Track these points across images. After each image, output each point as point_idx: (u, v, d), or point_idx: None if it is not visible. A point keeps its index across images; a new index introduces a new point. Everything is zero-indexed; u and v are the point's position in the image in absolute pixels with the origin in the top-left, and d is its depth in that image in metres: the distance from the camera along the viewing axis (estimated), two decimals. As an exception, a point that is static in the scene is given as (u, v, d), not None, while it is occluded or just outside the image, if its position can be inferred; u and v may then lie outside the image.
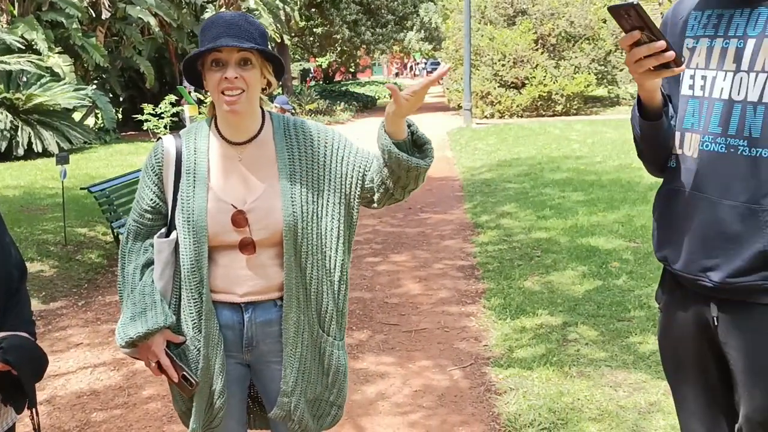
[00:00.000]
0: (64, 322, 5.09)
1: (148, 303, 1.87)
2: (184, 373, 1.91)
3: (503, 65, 20.67)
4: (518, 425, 3.30)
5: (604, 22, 20.84)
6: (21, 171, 11.87)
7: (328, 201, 1.94)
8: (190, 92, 16.00)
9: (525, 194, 8.88)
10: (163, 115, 12.67)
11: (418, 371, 4.02)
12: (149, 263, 1.95)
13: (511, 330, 4.50)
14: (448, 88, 23.91)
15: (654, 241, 1.83)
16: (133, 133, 18.62)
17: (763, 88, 1.55)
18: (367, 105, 27.41)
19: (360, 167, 1.95)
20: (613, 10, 1.49)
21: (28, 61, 14.17)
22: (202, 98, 13.28)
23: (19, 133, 13.64)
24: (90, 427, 3.51)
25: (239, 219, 1.86)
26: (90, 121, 17.90)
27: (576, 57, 20.93)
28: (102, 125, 17.41)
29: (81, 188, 6.81)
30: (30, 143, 13.69)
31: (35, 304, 5.35)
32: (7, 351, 1.61)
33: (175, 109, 12.84)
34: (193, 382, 1.92)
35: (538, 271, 5.70)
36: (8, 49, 14.46)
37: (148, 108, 12.77)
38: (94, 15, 16.63)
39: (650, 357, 3.93)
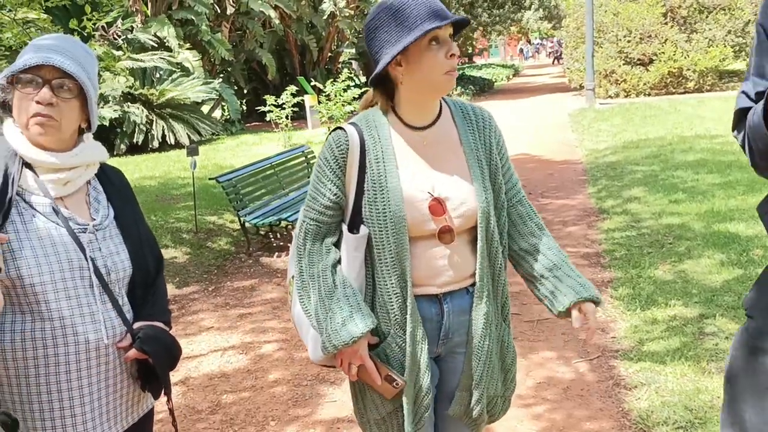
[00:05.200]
0: (196, 307, 5.35)
1: (353, 305, 1.77)
2: (389, 373, 1.82)
3: (629, 41, 19.69)
4: (650, 423, 3.13)
5: (742, -11, 19.36)
6: (156, 162, 12.61)
7: (500, 190, 1.90)
8: (310, 82, 16.42)
9: (654, 177, 8.42)
10: (284, 106, 13.04)
11: (541, 362, 3.90)
12: (336, 263, 1.84)
13: (641, 321, 4.27)
14: (569, 68, 23.12)
15: None
16: (257, 123, 19.34)
17: None
18: (483, 88, 27.00)
19: (504, 177, 1.93)
20: None
21: (161, 58, 15.03)
22: (321, 88, 13.55)
23: (153, 126, 14.52)
24: (221, 408, 3.67)
25: (437, 207, 1.78)
26: (217, 113, 18.76)
27: (710, 29, 19.58)
28: (228, 116, 18.21)
29: (209, 178, 7.13)
30: (164, 136, 14.54)
31: (170, 289, 5.67)
32: (144, 341, 1.68)
33: (295, 100, 13.18)
34: (400, 382, 1.82)
35: (670, 259, 5.38)
36: (143, 48, 15.40)
37: (270, 99, 13.19)
38: (219, 11, 17.38)
39: (800, 354, 3.60)
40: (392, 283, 1.80)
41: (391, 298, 1.81)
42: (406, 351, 1.83)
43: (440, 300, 1.86)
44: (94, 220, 1.72)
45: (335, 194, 1.81)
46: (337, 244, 1.86)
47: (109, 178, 1.84)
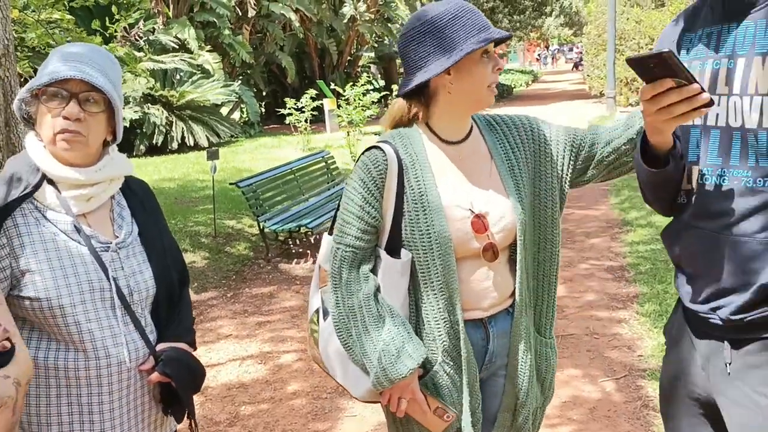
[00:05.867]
0: (215, 313, 5.31)
1: (404, 336, 1.69)
2: (440, 405, 1.74)
3: (651, 50, 19.48)
4: (682, 448, 3.03)
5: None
6: (175, 164, 12.62)
7: (545, 188, 1.84)
8: (329, 86, 16.41)
9: (678, 189, 8.29)
10: (303, 109, 13.03)
11: (567, 380, 3.81)
12: (377, 291, 1.73)
13: (668, 340, 4.17)
14: (589, 75, 22.95)
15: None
16: (275, 126, 19.35)
17: (761, 113, 1.35)
18: (503, 94, 26.85)
19: (569, 144, 1.85)
20: (638, 61, 1.32)
21: (182, 59, 15.08)
22: (341, 92, 13.52)
23: (173, 128, 14.55)
24: (239, 420, 3.61)
25: (479, 224, 1.72)
26: (235, 115, 18.79)
27: (733, 38, 19.35)
28: (247, 119, 18.24)
29: (230, 183, 7.09)
30: (183, 137, 14.57)
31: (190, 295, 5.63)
32: (166, 364, 1.62)
33: (315, 104, 13.17)
34: (451, 414, 1.75)
35: (697, 274, 5.26)
36: (164, 49, 15.46)
37: (290, 102, 13.19)
38: (240, 14, 17.42)
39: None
40: (439, 308, 1.72)
41: (438, 324, 1.73)
42: (457, 379, 1.76)
43: (485, 324, 1.80)
44: (117, 237, 1.66)
45: (374, 217, 1.72)
46: (372, 271, 1.77)
47: (133, 191, 1.78)
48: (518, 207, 1.77)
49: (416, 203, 1.70)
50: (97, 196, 1.64)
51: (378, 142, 1.78)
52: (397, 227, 1.72)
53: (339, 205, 1.81)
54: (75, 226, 1.59)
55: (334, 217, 1.83)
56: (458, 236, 1.71)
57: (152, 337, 1.68)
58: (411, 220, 1.71)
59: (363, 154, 1.77)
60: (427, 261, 1.70)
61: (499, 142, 1.83)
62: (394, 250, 1.73)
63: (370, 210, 1.72)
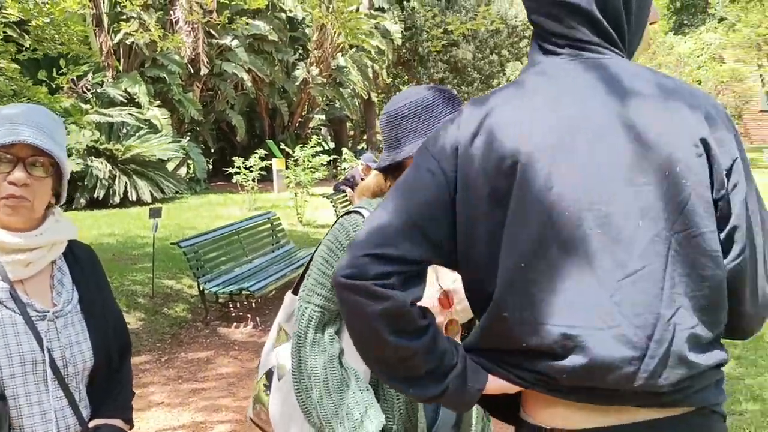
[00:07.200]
0: (147, 378, 5.11)
1: (368, 401, 1.66)
2: None
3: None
4: None
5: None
6: (115, 219, 12.32)
7: None
8: (278, 146, 16.46)
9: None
10: (252, 168, 12.99)
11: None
12: (341, 354, 1.71)
13: None
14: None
15: None
16: (222, 183, 19.20)
17: None
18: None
19: None
20: None
21: (129, 113, 14.93)
22: (290, 152, 13.57)
23: (116, 182, 14.26)
24: (168, 495, 3.44)
25: (445, 300, 1.75)
26: (182, 171, 18.59)
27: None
28: (193, 175, 18.05)
29: (171, 243, 6.95)
30: (126, 192, 14.27)
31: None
32: (99, 443, 1.54)
33: (263, 163, 13.16)
34: None
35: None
36: (112, 102, 15.31)
37: (238, 161, 13.16)
38: (192, 71, 17.47)
39: (767, 461, 3.55)
40: None
41: (399, 393, 1.72)
42: None
43: None
44: (56, 305, 1.59)
45: None
46: (337, 333, 1.75)
47: (76, 256, 1.72)
48: None
49: None
50: (36, 261, 1.58)
51: (357, 207, 1.80)
52: None
53: (307, 266, 1.80)
54: (10, 293, 1.52)
55: (300, 278, 1.82)
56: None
57: (86, 412, 1.60)
58: None
59: (341, 217, 1.78)
60: None
61: None
62: None
63: None
